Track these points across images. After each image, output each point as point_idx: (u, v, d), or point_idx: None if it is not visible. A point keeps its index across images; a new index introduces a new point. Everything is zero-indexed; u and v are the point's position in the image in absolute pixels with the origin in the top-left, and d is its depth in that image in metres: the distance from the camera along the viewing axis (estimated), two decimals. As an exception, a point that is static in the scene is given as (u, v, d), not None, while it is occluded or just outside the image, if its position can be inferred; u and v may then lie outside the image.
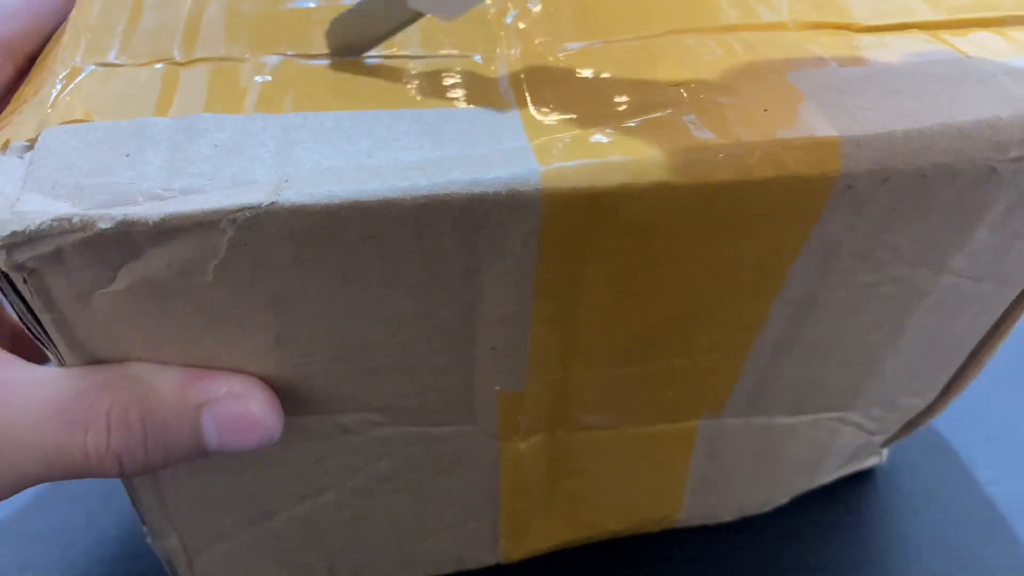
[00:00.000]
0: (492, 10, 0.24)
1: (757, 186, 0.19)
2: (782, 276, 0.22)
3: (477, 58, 0.22)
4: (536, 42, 0.23)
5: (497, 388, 0.24)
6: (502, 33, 0.23)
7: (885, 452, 0.34)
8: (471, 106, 0.20)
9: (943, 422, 0.37)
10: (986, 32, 0.23)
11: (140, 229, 0.18)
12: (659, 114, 0.20)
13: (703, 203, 0.20)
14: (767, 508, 0.33)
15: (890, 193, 0.20)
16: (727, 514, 0.32)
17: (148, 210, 0.18)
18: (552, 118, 0.20)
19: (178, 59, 0.21)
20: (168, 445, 0.22)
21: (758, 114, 0.20)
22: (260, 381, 0.22)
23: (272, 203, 0.18)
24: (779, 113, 0.20)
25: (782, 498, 0.32)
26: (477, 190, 0.18)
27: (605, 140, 0.19)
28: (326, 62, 0.22)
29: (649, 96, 0.21)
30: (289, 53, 0.22)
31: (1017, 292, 0.25)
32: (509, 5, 0.24)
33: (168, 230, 0.18)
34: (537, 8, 0.24)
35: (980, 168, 0.20)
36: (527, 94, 0.21)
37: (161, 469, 0.22)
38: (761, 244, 0.21)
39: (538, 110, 0.20)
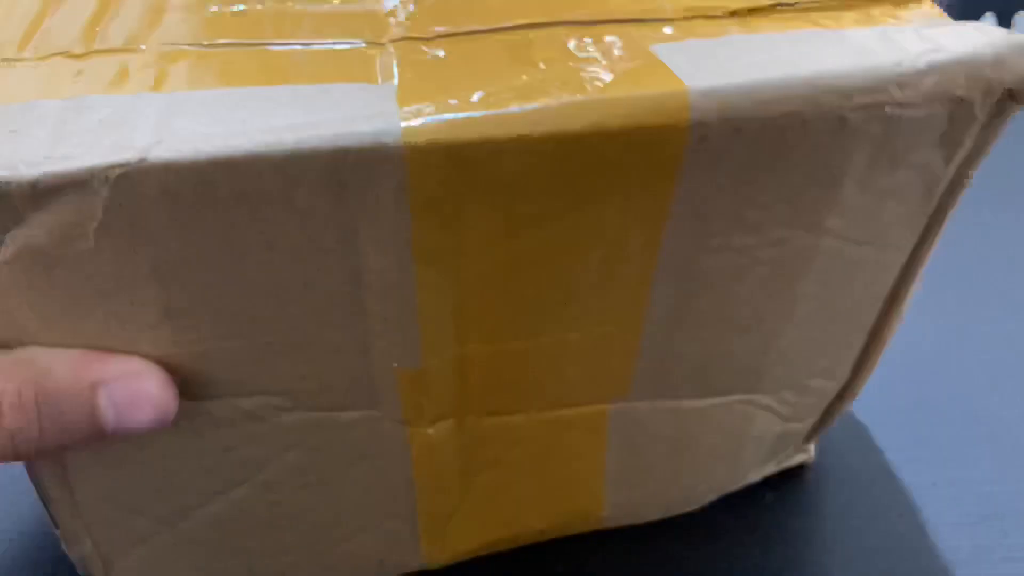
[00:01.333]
0: (380, 10, 0.25)
1: (612, 136, 0.20)
2: (658, 240, 0.23)
3: (360, 44, 0.23)
4: (419, 30, 0.24)
5: (395, 365, 0.24)
6: (388, 22, 0.24)
7: (812, 449, 0.34)
8: (346, 83, 0.22)
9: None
10: (857, 12, 0.25)
11: (17, 191, 0.19)
12: (523, 79, 0.21)
13: (563, 157, 0.21)
14: (693, 506, 0.33)
15: (746, 144, 0.21)
16: (652, 512, 0.32)
17: (24, 171, 0.19)
18: (426, 88, 0.21)
19: (76, 52, 0.23)
20: (64, 426, 0.22)
21: (616, 76, 0.21)
22: (154, 362, 0.23)
23: (142, 160, 0.19)
24: (635, 74, 0.21)
25: (707, 494, 0.33)
26: (341, 143, 0.19)
27: (468, 103, 0.20)
28: (221, 49, 0.23)
29: (518, 67, 0.22)
30: (185, 43, 0.23)
31: (903, 258, 0.26)
32: (399, 8, 0.25)
33: (44, 191, 0.19)
34: (426, 7, 0.25)
35: (830, 116, 0.21)
36: (402, 70, 0.22)
37: (58, 452, 0.23)
38: (629, 203, 0.22)
39: (413, 82, 0.21)
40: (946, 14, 0.25)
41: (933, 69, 0.21)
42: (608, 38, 0.23)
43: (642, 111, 0.20)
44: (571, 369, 0.26)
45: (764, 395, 0.30)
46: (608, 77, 0.21)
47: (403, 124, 0.20)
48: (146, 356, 0.22)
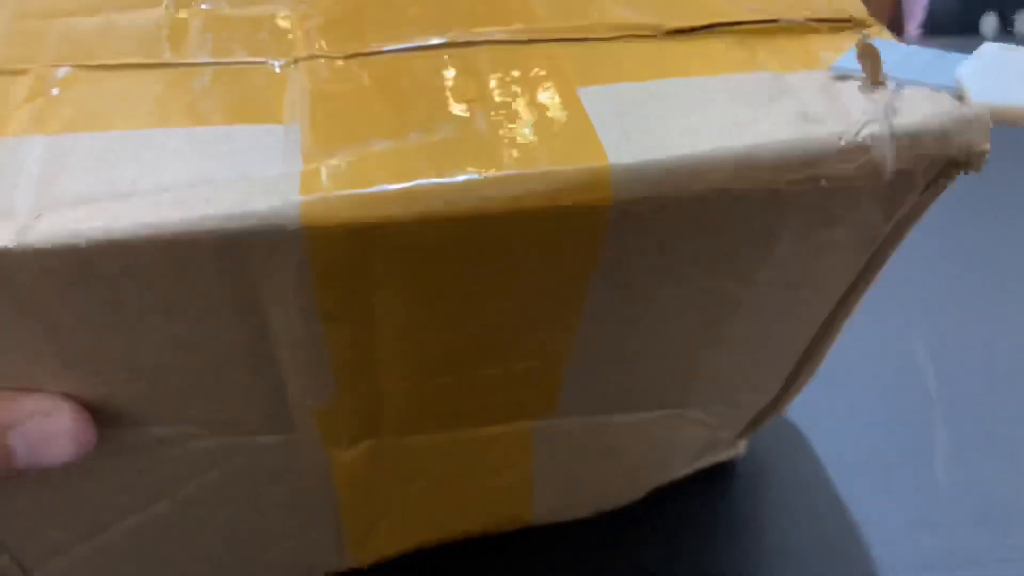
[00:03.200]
0: (291, 12, 0.23)
1: (528, 216, 0.19)
2: (581, 293, 0.22)
3: (270, 64, 0.22)
4: (332, 47, 0.22)
5: (309, 402, 0.24)
6: (299, 35, 0.22)
7: (743, 444, 0.34)
8: (251, 124, 0.20)
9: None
10: (795, 39, 0.23)
11: None
12: (440, 134, 0.20)
13: (476, 232, 0.19)
14: (622, 504, 0.33)
15: (670, 217, 0.20)
16: (581, 512, 0.33)
17: None
18: (334, 134, 0.20)
19: None
20: None
21: (538, 138, 0.20)
22: (66, 396, 0.22)
23: (18, 244, 0.18)
24: (558, 139, 0.20)
25: (636, 494, 0.33)
26: (233, 225, 0.18)
27: (379, 163, 0.19)
28: (113, 71, 0.21)
29: (434, 111, 0.20)
30: (75, 63, 0.21)
31: (838, 296, 0.26)
32: (311, 9, 0.23)
33: None
34: (341, 12, 0.23)
35: (761, 191, 0.20)
36: (312, 106, 0.20)
37: None
38: (550, 267, 0.21)
39: (321, 125, 0.20)
40: (895, 38, 0.23)
41: (875, 144, 0.20)
42: (534, 72, 0.21)
43: (561, 191, 0.19)
44: (493, 396, 0.26)
45: (693, 409, 0.29)
46: (528, 134, 0.20)
47: (301, 200, 0.18)
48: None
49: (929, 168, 0.21)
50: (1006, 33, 0.92)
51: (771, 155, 0.20)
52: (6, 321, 0.19)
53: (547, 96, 0.21)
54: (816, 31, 0.23)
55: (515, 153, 0.19)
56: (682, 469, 0.33)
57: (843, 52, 0.22)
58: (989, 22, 0.92)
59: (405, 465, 0.28)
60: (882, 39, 0.23)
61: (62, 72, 0.21)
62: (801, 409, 0.35)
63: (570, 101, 0.21)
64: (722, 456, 0.34)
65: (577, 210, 0.19)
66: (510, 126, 0.20)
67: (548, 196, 0.19)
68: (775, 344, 0.27)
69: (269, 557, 0.29)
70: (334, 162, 0.19)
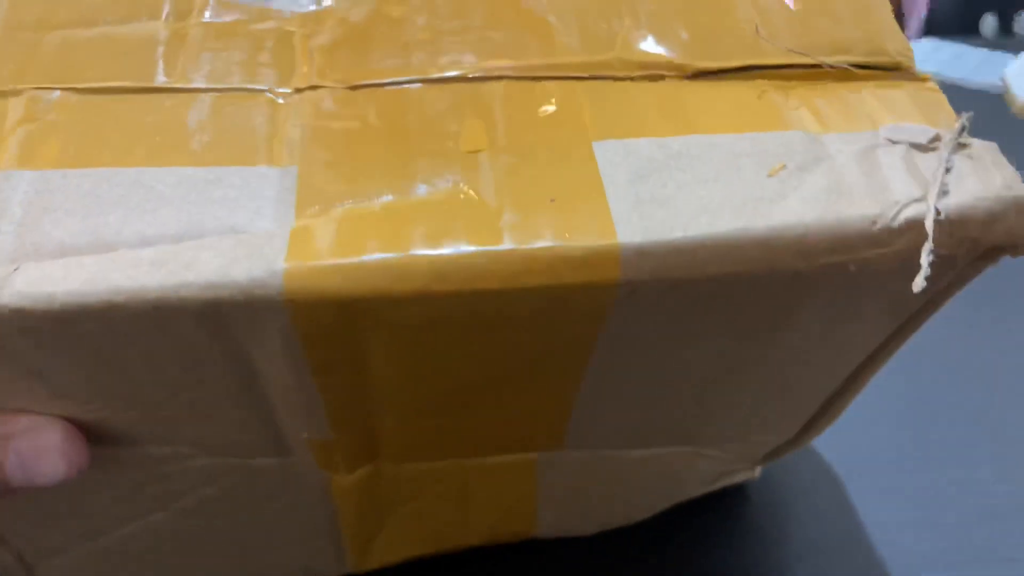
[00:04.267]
0: (296, 29, 0.22)
1: (528, 292, 0.18)
2: (586, 356, 0.21)
3: (270, 94, 0.20)
4: (338, 74, 0.21)
5: (305, 436, 0.23)
6: (304, 60, 0.21)
7: (758, 470, 0.33)
8: (246, 166, 0.19)
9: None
10: (834, 86, 0.21)
11: None
12: (443, 188, 0.19)
13: (471, 305, 0.18)
14: (631, 522, 0.32)
15: (682, 295, 0.19)
16: (588, 528, 0.32)
17: None
18: (331, 183, 0.19)
19: None
20: None
21: (543, 204, 0.18)
22: (59, 417, 0.21)
23: None
24: (566, 205, 0.18)
25: (644, 515, 0.32)
26: (212, 295, 0.17)
27: (373, 224, 0.18)
28: (106, 96, 0.20)
29: (439, 161, 0.19)
30: (68, 85, 0.20)
31: (862, 358, 0.24)
32: (317, 27, 0.22)
33: None
34: (348, 31, 0.22)
35: (783, 274, 0.19)
36: (312, 148, 0.19)
37: None
38: (552, 335, 0.20)
39: (319, 171, 0.19)
40: (939, 88, 0.21)
41: (912, 226, 0.18)
42: (548, 118, 0.20)
43: (565, 269, 0.18)
44: (496, 434, 0.25)
45: (707, 447, 0.28)
46: (536, 197, 0.18)
47: (285, 268, 0.17)
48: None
49: (968, 253, 0.19)
50: (1006, 33, 0.89)
51: (796, 239, 0.18)
52: None
53: (560, 150, 0.19)
54: (856, 77, 0.21)
55: (518, 221, 0.18)
56: (694, 493, 0.32)
57: (883, 102, 0.21)
58: (989, 22, 0.89)
59: (404, 487, 0.27)
60: (929, 39, 0.20)
61: (55, 95, 0.20)
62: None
63: (584, 159, 0.19)
64: (736, 480, 0.33)
65: (581, 288, 0.18)
66: (517, 186, 0.19)
67: (550, 274, 0.18)
68: (794, 398, 0.26)
69: (268, 559, 0.29)
70: (327, 218, 0.18)
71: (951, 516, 0.34)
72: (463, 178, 0.19)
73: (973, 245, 0.19)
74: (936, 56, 0.47)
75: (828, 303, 0.20)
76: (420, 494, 0.28)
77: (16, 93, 0.20)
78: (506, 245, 0.18)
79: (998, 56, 0.17)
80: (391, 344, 0.19)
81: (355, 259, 0.17)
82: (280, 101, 0.20)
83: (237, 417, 0.22)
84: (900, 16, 1.04)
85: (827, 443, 0.36)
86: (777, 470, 0.35)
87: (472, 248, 0.18)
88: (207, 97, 0.20)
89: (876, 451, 0.36)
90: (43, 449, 0.21)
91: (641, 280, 0.18)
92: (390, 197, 0.18)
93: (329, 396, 0.21)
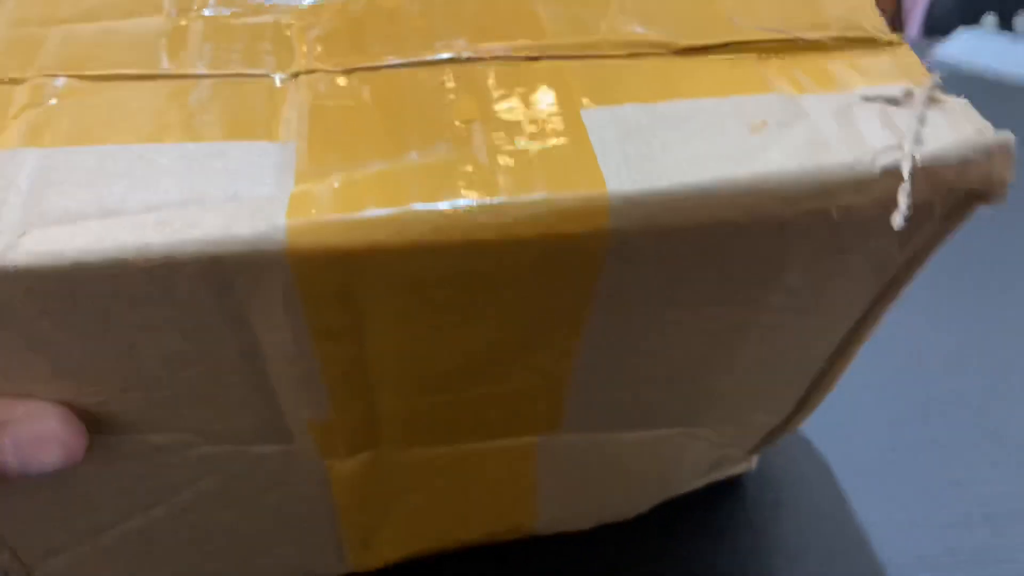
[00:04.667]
0: (294, 22, 0.22)
1: (522, 243, 0.18)
2: (582, 316, 0.21)
3: (270, 78, 0.21)
4: (334, 60, 0.21)
5: (305, 416, 0.24)
6: (302, 48, 0.22)
7: (754, 459, 0.34)
8: (246, 141, 0.20)
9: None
10: (811, 57, 0.22)
11: None
12: (437, 155, 0.19)
13: (468, 259, 0.19)
14: (629, 516, 0.32)
15: (672, 247, 0.19)
16: (586, 523, 0.32)
17: None
18: (329, 153, 0.19)
19: None
20: None
21: (535, 162, 0.19)
22: (58, 403, 0.22)
23: (0, 264, 0.17)
24: (557, 162, 0.19)
25: (642, 507, 0.32)
26: (217, 249, 0.18)
27: (371, 185, 0.18)
28: (109, 83, 0.21)
29: (433, 131, 0.20)
30: (73, 73, 0.21)
31: (852, 322, 0.25)
32: (314, 19, 0.23)
33: None
34: (344, 22, 0.22)
35: (769, 223, 0.19)
36: (310, 124, 0.20)
37: None
38: (546, 293, 0.20)
39: (317, 144, 0.19)
40: (920, 61, 0.22)
41: (890, 174, 0.19)
42: (538, 94, 0.21)
43: (557, 219, 0.18)
44: (494, 414, 0.25)
45: (702, 428, 0.29)
46: (527, 158, 0.19)
47: (288, 224, 0.18)
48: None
49: (947, 198, 0.20)
50: (1006, 34, 0.90)
51: (778, 186, 0.19)
52: None
53: (549, 117, 0.20)
54: (833, 48, 0.22)
55: (511, 178, 0.19)
56: (690, 484, 0.32)
57: (858, 70, 0.21)
58: (989, 22, 0.90)
59: (405, 476, 0.27)
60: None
61: (59, 82, 0.21)
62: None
63: (573, 123, 0.20)
64: (732, 472, 0.33)
65: (573, 239, 0.19)
66: (509, 148, 0.19)
67: (542, 224, 0.18)
68: (786, 368, 0.26)
69: (267, 560, 0.29)
70: (326, 183, 0.19)
71: (951, 516, 0.34)
72: (456, 144, 0.19)
73: (949, 191, 0.20)
74: (977, 48, 0.47)
75: (813, 259, 0.21)
76: (420, 485, 0.28)
77: (21, 81, 0.21)
78: (500, 197, 0.18)
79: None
80: (391, 306, 0.20)
81: (356, 214, 0.18)
82: (278, 84, 0.21)
83: (237, 397, 0.22)
84: (900, 15, 1.06)
85: (826, 442, 0.36)
86: (774, 469, 0.35)
87: (468, 201, 0.18)
88: (208, 82, 0.21)
89: (876, 451, 0.36)
90: (41, 437, 0.21)
91: (631, 230, 0.19)
92: (386, 164, 0.19)
93: (329, 368, 0.22)
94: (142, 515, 0.26)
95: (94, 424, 0.22)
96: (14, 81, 0.21)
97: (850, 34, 0.22)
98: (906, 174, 0.19)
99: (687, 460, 0.30)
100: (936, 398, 0.39)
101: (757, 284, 0.22)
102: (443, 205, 0.18)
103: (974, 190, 0.20)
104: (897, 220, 0.18)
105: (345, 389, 0.23)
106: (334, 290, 0.19)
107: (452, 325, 0.21)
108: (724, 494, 0.34)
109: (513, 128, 0.20)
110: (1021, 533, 0.33)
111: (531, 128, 0.20)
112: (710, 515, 0.34)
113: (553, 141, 0.19)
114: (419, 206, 0.18)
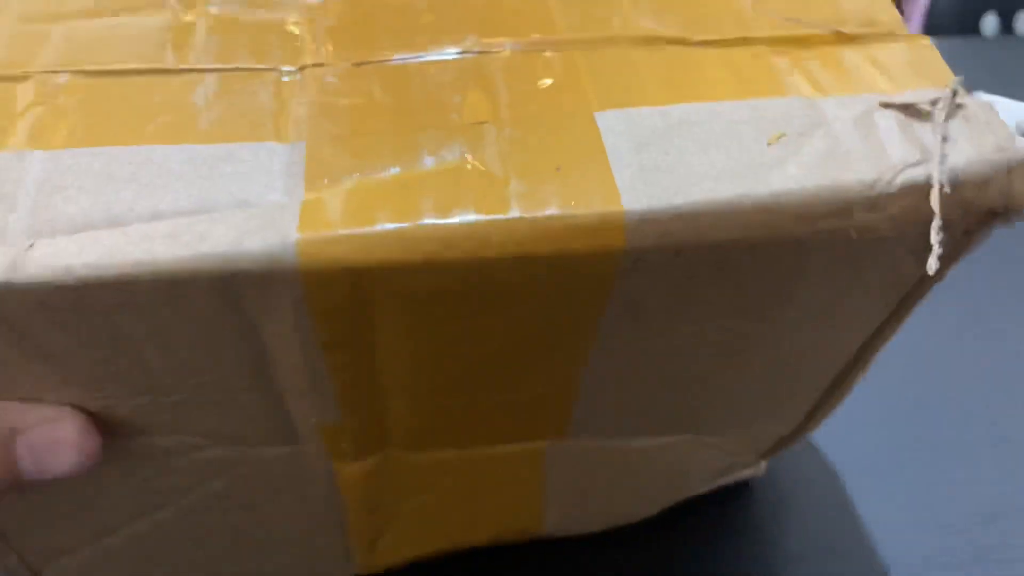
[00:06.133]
0: (300, 16, 0.22)
1: (535, 259, 0.18)
2: (592, 331, 0.21)
3: (277, 72, 0.21)
4: (343, 53, 0.21)
5: (314, 420, 0.23)
6: (308, 39, 0.21)
7: (763, 465, 0.34)
8: (255, 142, 0.19)
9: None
10: (828, 51, 0.22)
11: None
12: (450, 159, 0.19)
13: (480, 274, 0.19)
14: (636, 519, 0.32)
15: (686, 263, 0.19)
16: (592, 526, 0.32)
17: None
18: (339, 156, 0.19)
19: None
20: None
21: (548, 173, 0.19)
22: (70, 407, 0.22)
23: (9, 281, 0.17)
24: (570, 174, 0.19)
25: (649, 512, 0.32)
26: (227, 266, 0.17)
27: (382, 196, 0.18)
28: (114, 78, 0.21)
29: (445, 133, 0.19)
30: (77, 69, 0.21)
31: (865, 337, 0.24)
32: (322, 13, 0.22)
33: None
34: (352, 16, 0.22)
35: (784, 240, 0.19)
36: (319, 123, 0.20)
37: None
38: (558, 307, 0.20)
39: (326, 145, 0.19)
40: (934, 47, 0.22)
41: (909, 191, 0.19)
42: (550, 92, 0.20)
43: (571, 237, 0.18)
44: (503, 420, 0.25)
45: (711, 436, 0.28)
46: (540, 167, 0.19)
47: (298, 238, 0.18)
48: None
49: (965, 217, 0.20)
50: (1007, 33, 0.91)
51: (796, 203, 0.19)
52: (1, 344, 0.19)
53: (563, 121, 0.20)
54: (850, 43, 0.22)
55: (525, 190, 0.18)
56: (699, 488, 0.32)
57: (877, 65, 0.21)
58: (989, 22, 0.90)
59: (413, 478, 0.27)
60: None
61: (63, 79, 0.20)
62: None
63: (586, 128, 0.20)
64: (741, 476, 0.33)
65: (587, 256, 0.18)
66: (522, 156, 0.19)
67: (556, 242, 0.18)
68: (798, 379, 0.26)
69: (274, 562, 0.29)
70: (337, 190, 0.18)
71: (951, 516, 0.34)
72: (468, 149, 0.19)
73: (968, 209, 0.19)
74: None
75: (829, 274, 0.21)
76: (428, 487, 0.28)
77: (25, 78, 0.21)
78: (513, 213, 0.18)
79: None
80: (401, 318, 0.20)
81: (367, 229, 0.18)
82: (285, 79, 0.21)
83: (246, 402, 0.22)
84: (900, 15, 1.05)
85: (828, 443, 0.36)
86: (778, 469, 0.35)
87: (480, 217, 0.18)
88: (214, 76, 0.21)
89: (876, 451, 0.36)
90: (56, 441, 0.21)
91: (646, 247, 0.18)
92: (397, 169, 0.19)
93: (339, 376, 0.21)
94: (149, 517, 0.26)
95: (102, 426, 0.22)
96: (19, 78, 0.21)
97: (868, 29, 0.22)
98: (936, 208, 0.18)
99: (695, 466, 0.30)
100: (936, 398, 0.39)
101: (772, 299, 0.21)
102: (455, 220, 0.18)
103: (993, 208, 0.20)
104: (932, 264, 0.18)
105: (354, 395, 0.23)
106: (344, 303, 0.19)
107: (461, 337, 0.21)
108: (728, 495, 0.34)
109: (527, 131, 0.19)
110: (1021, 533, 0.33)
111: (544, 132, 0.19)
112: (714, 516, 0.34)
113: (568, 149, 0.19)
114: (430, 221, 0.18)
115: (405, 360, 0.21)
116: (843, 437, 0.36)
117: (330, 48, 0.21)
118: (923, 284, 0.22)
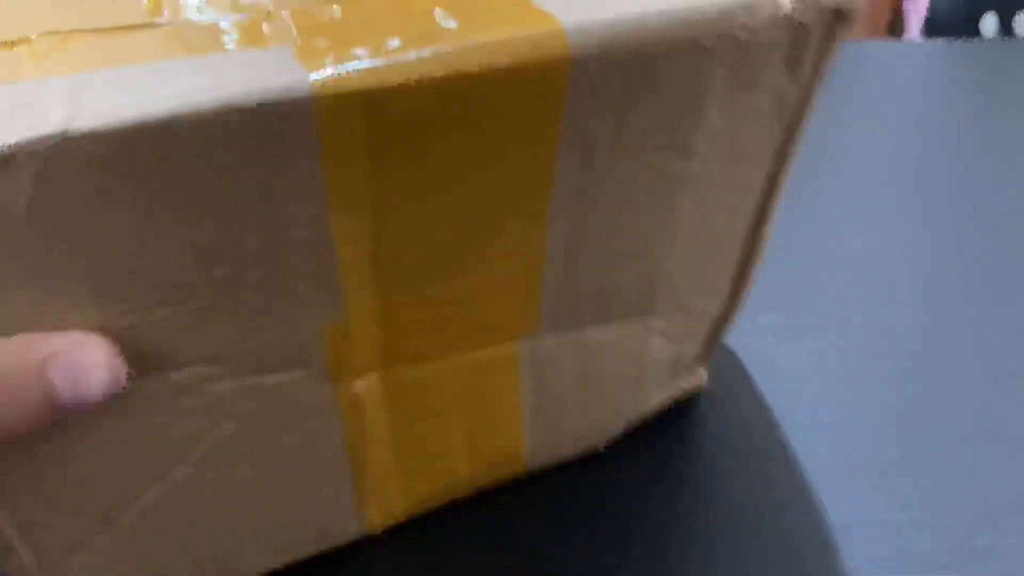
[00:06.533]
0: None
1: (501, 74, 0.22)
2: (551, 168, 0.25)
3: (248, 16, 0.25)
4: None
5: (320, 322, 0.26)
6: None
7: (704, 374, 0.37)
8: (246, 48, 0.23)
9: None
10: None
11: None
12: (411, 32, 0.23)
13: (459, 94, 0.22)
14: (605, 437, 0.35)
15: (620, 74, 0.24)
16: (569, 447, 0.34)
17: None
18: (321, 48, 0.23)
19: None
20: (19, 406, 0.22)
21: (495, 12, 0.23)
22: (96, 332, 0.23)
23: (65, 131, 0.20)
24: (512, 8, 0.23)
25: (616, 423, 0.35)
26: (253, 99, 0.21)
27: (365, 53, 0.22)
28: (113, 32, 0.24)
29: (405, 23, 0.24)
30: (74, 27, 0.24)
31: (763, 177, 0.30)
32: None
33: None
34: None
35: (689, 44, 0.24)
36: (297, 35, 0.23)
37: (10, 439, 0.23)
38: (523, 130, 0.24)
39: (307, 43, 0.23)
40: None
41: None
42: None
43: (527, 48, 0.23)
44: (482, 309, 0.28)
45: (656, 318, 0.32)
46: (489, 21, 0.23)
47: (312, 76, 0.21)
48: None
49: (818, 21, 0.25)
50: (1006, 34, 0.91)
51: (692, 12, 0.24)
52: (46, 229, 0.21)
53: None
54: None
55: (478, 23, 0.23)
56: (654, 395, 0.36)
57: None
58: (989, 22, 0.90)
59: (408, 401, 0.29)
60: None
61: (63, 35, 0.24)
62: (801, 408, 0.38)
63: None
64: (687, 384, 0.37)
65: (542, 66, 0.23)
66: (471, 20, 0.24)
67: (516, 53, 0.22)
68: (719, 235, 0.31)
69: (282, 523, 0.30)
70: (326, 56, 0.22)
71: (951, 516, 0.34)
72: (428, 32, 0.23)
73: (818, 11, 0.25)
74: None
75: (726, 94, 0.26)
76: (423, 410, 0.30)
77: (27, 40, 0.23)
78: (479, 39, 0.22)
79: None
80: (393, 163, 0.23)
81: (366, 63, 0.22)
82: (261, 20, 0.25)
83: (260, 304, 0.25)
84: (899, 17, 1.09)
85: (826, 442, 0.37)
86: (777, 470, 0.36)
87: (454, 44, 0.22)
88: (199, 23, 0.24)
89: (876, 451, 0.36)
90: (88, 364, 0.23)
91: (587, 57, 0.23)
92: (373, 46, 0.23)
93: (343, 247, 0.24)
94: (161, 481, 0.27)
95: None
96: (16, 43, 0.23)
97: None
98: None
99: (649, 360, 0.33)
100: (936, 398, 0.39)
101: (685, 127, 0.26)
102: (435, 48, 0.22)
103: (835, 10, 0.25)
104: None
105: (358, 281, 0.25)
106: (349, 141, 0.22)
107: (441, 182, 0.24)
108: (720, 493, 0.34)
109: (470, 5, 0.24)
110: (1021, 533, 0.33)
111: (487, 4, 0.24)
112: (704, 519, 0.34)
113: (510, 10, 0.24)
114: (415, 54, 0.22)
115: (397, 227, 0.25)
116: (842, 437, 0.37)
117: None
118: (800, 109, 0.28)
